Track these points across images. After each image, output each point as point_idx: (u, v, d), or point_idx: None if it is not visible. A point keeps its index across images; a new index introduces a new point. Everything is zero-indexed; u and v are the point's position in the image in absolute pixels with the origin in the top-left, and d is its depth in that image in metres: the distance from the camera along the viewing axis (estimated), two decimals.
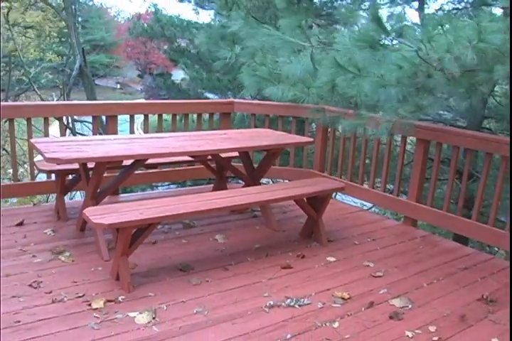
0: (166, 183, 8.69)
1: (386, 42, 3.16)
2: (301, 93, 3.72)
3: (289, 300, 3.30)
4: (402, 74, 3.00)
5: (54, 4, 17.05)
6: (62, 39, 19.47)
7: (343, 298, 3.38)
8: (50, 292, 3.31)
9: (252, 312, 3.17)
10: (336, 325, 3.06)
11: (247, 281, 3.59)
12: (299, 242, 4.37)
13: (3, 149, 10.90)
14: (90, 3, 36.23)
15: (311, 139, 5.05)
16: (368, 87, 3.17)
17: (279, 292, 3.44)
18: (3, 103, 5.23)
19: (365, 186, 5.42)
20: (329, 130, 5.75)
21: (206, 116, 6.44)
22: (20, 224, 4.50)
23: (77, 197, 10.19)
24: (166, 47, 11.79)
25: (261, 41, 3.75)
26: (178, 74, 14.18)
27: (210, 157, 4.86)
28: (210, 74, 9.68)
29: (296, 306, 3.25)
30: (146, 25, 10.95)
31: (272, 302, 3.27)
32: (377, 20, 3.02)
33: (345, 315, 3.19)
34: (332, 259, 4.03)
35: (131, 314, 3.07)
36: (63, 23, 16.84)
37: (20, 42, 16.11)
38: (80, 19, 23.77)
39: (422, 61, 2.93)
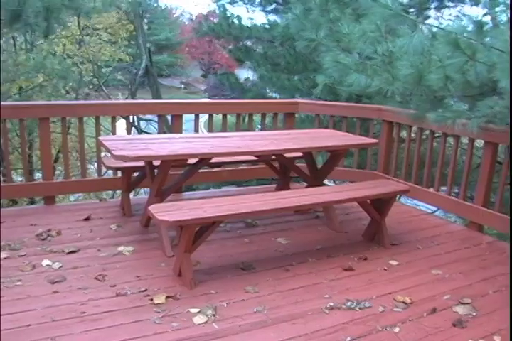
0: (229, 182, 8.74)
1: None
2: (385, 83, 3.57)
3: (349, 303, 3.27)
4: None
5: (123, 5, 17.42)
6: (129, 40, 19.89)
7: (404, 303, 3.32)
8: (114, 285, 3.39)
9: (312, 313, 3.15)
10: (397, 329, 3.01)
11: (308, 282, 3.57)
12: (361, 244, 4.33)
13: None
14: (155, 5, 36.93)
15: (376, 140, 4.99)
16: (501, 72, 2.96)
17: (340, 294, 3.40)
18: (74, 101, 5.41)
19: (430, 189, 5.31)
20: (394, 131, 5.67)
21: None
22: (87, 218, 4.63)
23: (141, 194, 10.41)
24: (230, 47, 11.85)
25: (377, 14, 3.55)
26: (242, 74, 14.28)
27: (273, 157, 4.87)
28: (278, 73, 9.69)
29: (357, 309, 3.22)
30: (212, 24, 11.00)
31: (332, 304, 3.24)
32: None
33: (406, 320, 3.12)
34: (394, 263, 3.97)
35: (192, 310, 3.11)
36: (131, 24, 17.23)
37: (91, 43, 16.55)
38: (145, 20, 24.23)
39: None
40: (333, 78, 4.24)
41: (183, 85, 41.58)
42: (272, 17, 11.00)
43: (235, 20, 10.43)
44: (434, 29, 3.46)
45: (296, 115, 6.75)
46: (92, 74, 16.19)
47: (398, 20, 3.39)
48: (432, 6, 7.83)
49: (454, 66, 3.16)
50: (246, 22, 10.52)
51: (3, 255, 3.79)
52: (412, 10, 7.41)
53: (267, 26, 10.29)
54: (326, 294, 3.39)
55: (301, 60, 9.60)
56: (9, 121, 8.23)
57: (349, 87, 4.01)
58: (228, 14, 10.61)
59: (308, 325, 3.01)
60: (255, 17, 11.48)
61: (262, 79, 10.32)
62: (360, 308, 3.22)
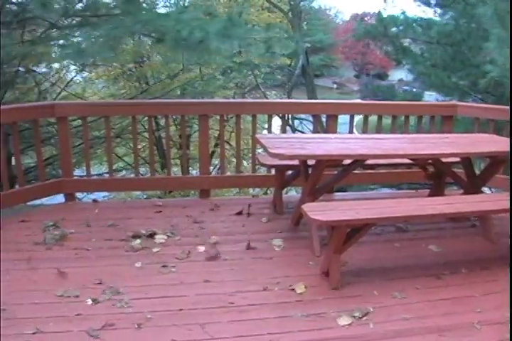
0: (380, 185, 8.64)
1: None
2: None
3: (503, 320, 3.08)
4: None
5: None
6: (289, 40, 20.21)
7: None
8: (262, 280, 3.48)
9: (461, 327, 3.02)
10: None
11: (459, 294, 3.43)
12: None
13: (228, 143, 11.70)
14: (309, 5, 37.26)
15: None
16: None
17: (493, 310, 3.22)
18: (233, 100, 5.62)
19: None
20: None
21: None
22: (240, 213, 4.78)
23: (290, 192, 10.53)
24: (387, 47, 11.73)
25: None
26: (396, 75, 14.06)
27: (429, 161, 4.72)
28: (437, 71, 9.42)
29: None
30: (369, 26, 11.02)
31: (484, 320, 3.08)
32: None
33: None
34: None
35: (337, 311, 3.11)
36: (289, 24, 17.49)
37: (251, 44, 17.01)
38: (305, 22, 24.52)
39: None
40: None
41: (335, 85, 41.63)
42: (431, 13, 10.79)
43: (390, 20, 10.33)
44: None
45: None
46: (250, 72, 16.65)
47: None
48: None
49: None
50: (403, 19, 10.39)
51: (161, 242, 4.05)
52: None
53: (424, 24, 10.06)
54: (478, 308, 3.23)
55: (458, 58, 9.28)
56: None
57: None
58: (382, 17, 10.56)
59: (456, 340, 2.89)
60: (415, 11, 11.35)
61: (419, 77, 10.10)
62: None
